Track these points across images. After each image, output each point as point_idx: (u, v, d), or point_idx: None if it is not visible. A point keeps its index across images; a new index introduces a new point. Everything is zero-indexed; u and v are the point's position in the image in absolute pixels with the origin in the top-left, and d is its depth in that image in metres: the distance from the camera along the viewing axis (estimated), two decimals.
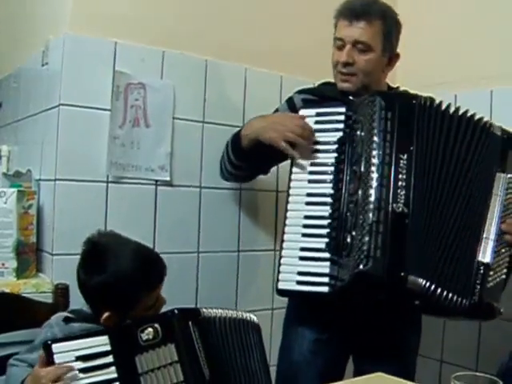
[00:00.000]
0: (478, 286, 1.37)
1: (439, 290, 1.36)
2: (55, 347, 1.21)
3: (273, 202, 2.16)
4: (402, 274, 1.34)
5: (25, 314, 1.53)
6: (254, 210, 2.13)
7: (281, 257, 1.51)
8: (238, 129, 1.72)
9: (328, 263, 1.44)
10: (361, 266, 1.35)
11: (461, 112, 1.47)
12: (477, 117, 1.48)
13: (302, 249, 1.48)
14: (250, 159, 1.69)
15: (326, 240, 1.45)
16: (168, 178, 1.92)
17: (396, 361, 1.58)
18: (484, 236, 1.41)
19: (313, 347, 1.62)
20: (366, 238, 1.36)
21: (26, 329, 1.44)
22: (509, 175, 1.45)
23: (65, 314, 1.40)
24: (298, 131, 1.53)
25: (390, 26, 1.61)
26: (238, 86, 2.08)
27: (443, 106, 1.47)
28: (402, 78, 1.96)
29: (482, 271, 1.38)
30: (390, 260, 1.34)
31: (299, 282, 1.47)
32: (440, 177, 1.42)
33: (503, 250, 1.42)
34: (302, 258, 1.48)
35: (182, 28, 1.95)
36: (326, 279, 1.43)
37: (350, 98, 1.57)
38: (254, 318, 1.47)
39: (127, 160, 1.84)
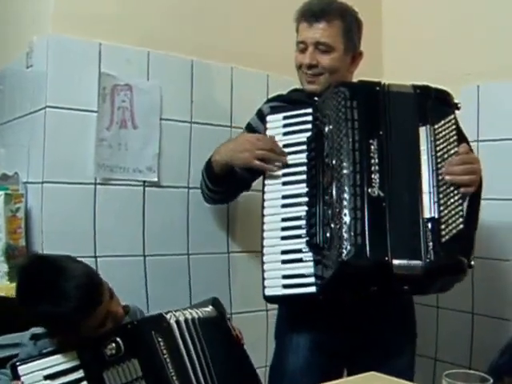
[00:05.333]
0: (431, 243, 1.30)
1: (409, 263, 1.30)
2: (21, 369, 1.21)
3: (259, 202, 2.15)
4: (386, 258, 1.30)
5: (17, 316, 1.48)
6: (241, 210, 2.12)
7: (263, 263, 1.47)
8: (209, 156, 1.71)
9: (311, 263, 1.41)
10: (343, 256, 1.30)
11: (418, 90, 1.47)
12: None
13: (284, 252, 1.45)
14: (225, 184, 1.70)
15: (307, 239, 1.43)
16: (156, 179, 1.91)
17: (391, 362, 1.54)
18: (423, 191, 1.36)
19: (308, 357, 1.59)
20: (345, 227, 1.32)
21: (20, 331, 1.42)
22: (435, 126, 1.42)
23: (31, 331, 1.38)
24: (268, 146, 1.54)
25: (350, 24, 1.63)
26: (224, 86, 2.08)
27: (404, 89, 1.47)
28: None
29: (430, 227, 1.32)
30: (371, 246, 1.30)
31: (285, 286, 1.44)
32: (400, 155, 1.41)
33: (452, 201, 1.35)
34: (284, 262, 1.45)
35: (167, 28, 1.95)
36: (311, 279, 1.40)
37: (316, 99, 1.57)
38: (209, 309, 1.43)
39: (115, 162, 1.83)
